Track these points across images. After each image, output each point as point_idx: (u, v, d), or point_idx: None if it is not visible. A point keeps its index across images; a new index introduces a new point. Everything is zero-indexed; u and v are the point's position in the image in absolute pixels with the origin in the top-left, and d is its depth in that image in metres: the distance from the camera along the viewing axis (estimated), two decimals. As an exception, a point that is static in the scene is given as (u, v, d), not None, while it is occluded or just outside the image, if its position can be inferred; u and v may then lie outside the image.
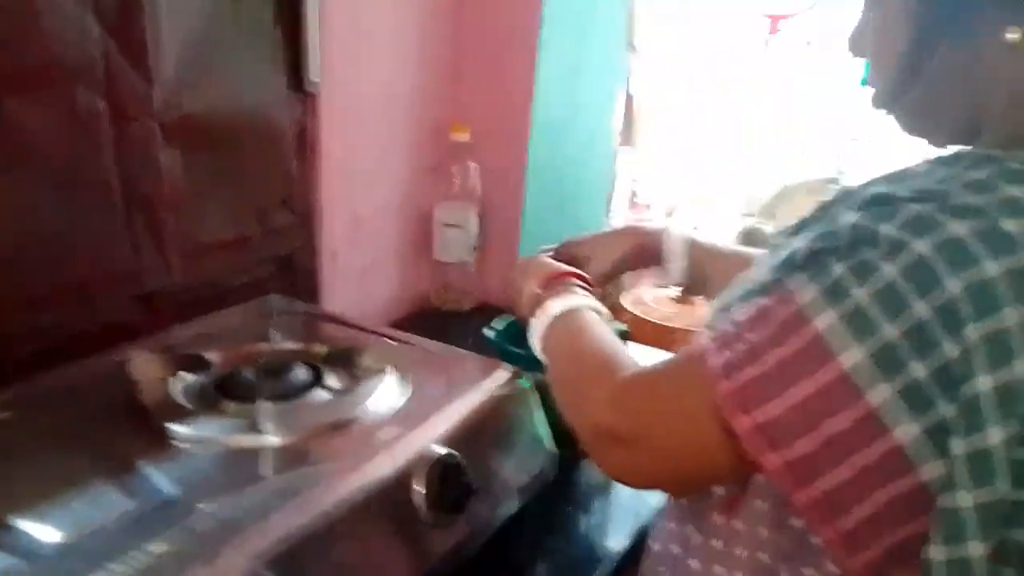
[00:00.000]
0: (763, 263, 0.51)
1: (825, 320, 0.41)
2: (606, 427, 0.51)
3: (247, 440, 0.59)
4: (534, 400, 0.74)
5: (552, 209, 1.33)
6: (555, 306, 0.65)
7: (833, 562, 0.48)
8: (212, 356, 0.71)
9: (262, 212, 0.98)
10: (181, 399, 0.64)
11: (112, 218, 0.81)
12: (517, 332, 0.77)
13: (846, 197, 0.47)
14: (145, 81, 0.80)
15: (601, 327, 0.62)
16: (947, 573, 0.38)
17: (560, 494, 0.78)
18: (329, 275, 1.10)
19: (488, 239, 1.28)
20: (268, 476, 0.57)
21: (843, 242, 0.42)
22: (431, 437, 0.62)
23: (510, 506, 0.68)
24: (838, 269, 0.42)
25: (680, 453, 0.48)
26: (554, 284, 0.69)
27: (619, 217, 1.67)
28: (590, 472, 0.85)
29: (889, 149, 1.59)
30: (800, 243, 0.45)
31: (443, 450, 0.61)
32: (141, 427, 0.61)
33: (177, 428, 0.59)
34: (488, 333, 0.91)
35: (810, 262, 0.43)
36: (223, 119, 0.90)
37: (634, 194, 1.74)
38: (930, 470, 0.39)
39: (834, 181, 1.52)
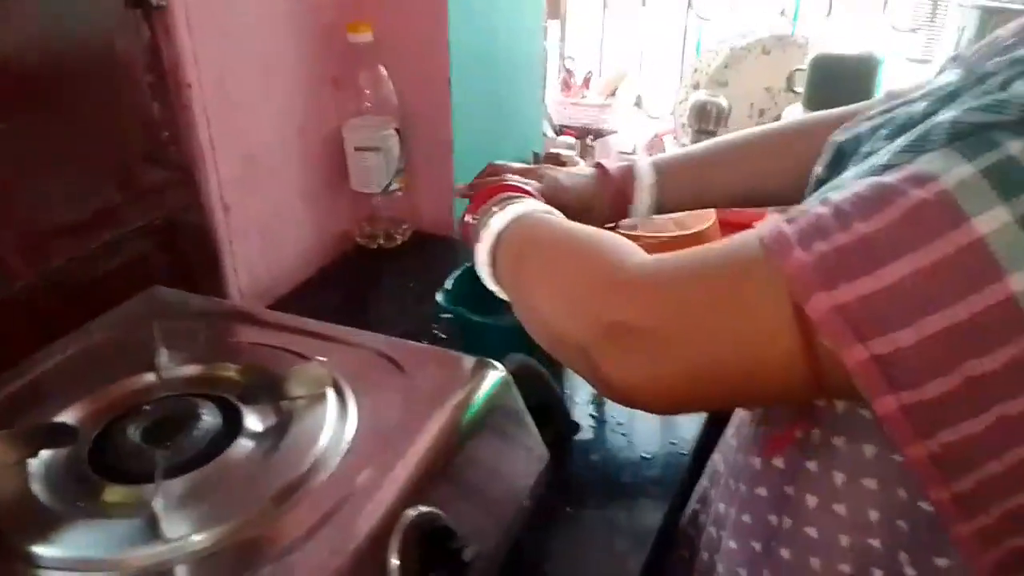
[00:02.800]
0: (871, 142, 0.41)
1: (992, 218, 0.30)
2: (620, 326, 0.40)
3: (147, 554, 0.41)
4: (515, 397, 0.58)
5: (484, 108, 1.12)
6: (497, 220, 0.54)
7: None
8: (75, 414, 0.51)
9: (123, 172, 0.75)
10: (44, 496, 0.46)
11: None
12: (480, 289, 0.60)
13: (1014, 63, 0.35)
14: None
15: (570, 222, 0.52)
16: None
17: (557, 494, 0.64)
18: (224, 235, 0.88)
19: (414, 157, 1.07)
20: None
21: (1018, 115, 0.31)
22: (407, 490, 0.46)
23: (506, 543, 0.54)
24: (1015, 146, 0.31)
25: (726, 357, 0.37)
26: (491, 201, 0.57)
27: (554, 103, 1.47)
28: (582, 460, 0.71)
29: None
30: (943, 116, 0.34)
31: (418, 508, 0.46)
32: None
33: (41, 550, 0.41)
34: (442, 298, 0.74)
35: (962, 137, 0.33)
36: (42, 60, 0.65)
37: (569, 73, 1.53)
38: None
39: (790, 38, 1.35)
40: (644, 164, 0.68)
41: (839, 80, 0.97)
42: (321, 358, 0.55)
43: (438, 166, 1.08)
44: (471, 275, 0.60)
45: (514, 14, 1.17)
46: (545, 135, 1.39)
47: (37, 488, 0.46)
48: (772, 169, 0.65)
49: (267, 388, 0.54)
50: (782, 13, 1.44)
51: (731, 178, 0.68)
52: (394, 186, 1.05)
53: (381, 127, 1.01)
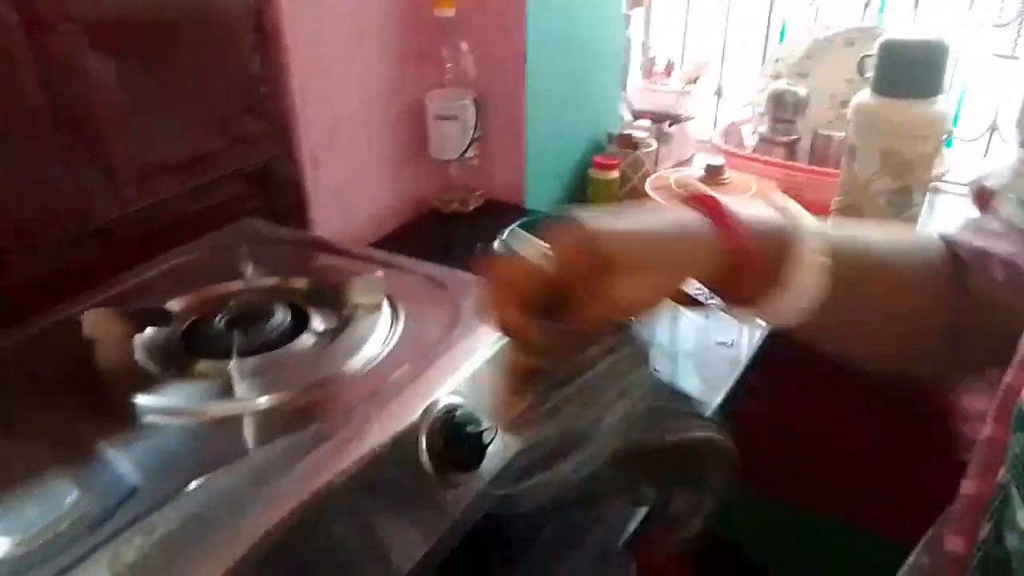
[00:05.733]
0: None
1: None
2: None
3: (222, 408, 0.50)
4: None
5: (559, 88, 1.18)
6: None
7: None
8: (175, 305, 0.61)
9: (224, 121, 0.85)
10: (145, 362, 0.55)
11: (44, 146, 0.69)
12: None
13: None
14: (56, -24, 0.66)
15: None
16: None
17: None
18: (312, 187, 0.97)
19: (489, 128, 1.14)
20: (249, 451, 0.48)
21: None
22: (438, 386, 0.53)
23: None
24: None
25: None
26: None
27: (635, 88, 1.51)
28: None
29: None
30: None
31: (453, 399, 0.52)
32: (99, 400, 0.52)
33: (141, 400, 0.50)
34: (497, 244, 0.80)
35: None
36: (160, 14, 0.76)
37: (651, 61, 1.56)
38: None
39: (875, 30, 1.35)
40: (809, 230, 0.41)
41: (907, 65, 0.97)
42: (379, 273, 0.62)
43: (511, 138, 1.14)
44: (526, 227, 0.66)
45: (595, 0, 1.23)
46: (622, 118, 1.44)
47: (140, 356, 0.55)
48: None
49: (331, 297, 0.62)
50: (867, 6, 1.43)
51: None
52: (469, 154, 1.12)
53: (459, 98, 1.09)
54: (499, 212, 1.16)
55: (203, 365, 0.54)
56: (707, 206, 0.39)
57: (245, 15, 0.84)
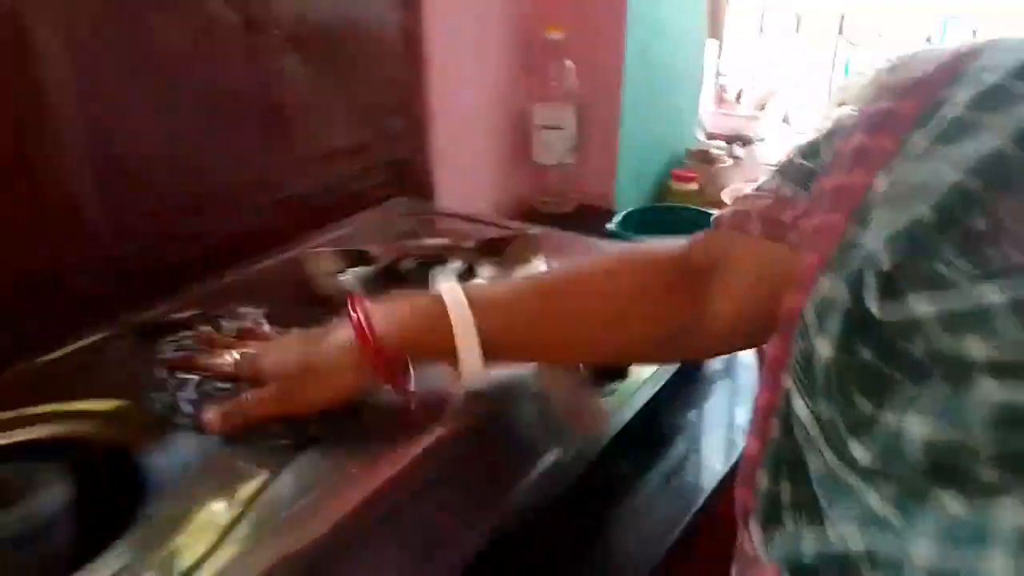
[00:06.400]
0: None
1: None
2: None
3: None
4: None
5: (648, 104, 1.31)
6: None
7: None
8: (375, 249, 0.74)
9: (378, 118, 1.00)
10: (357, 290, 0.68)
11: (247, 127, 0.83)
12: (639, 221, 0.79)
13: None
14: (272, -11, 0.81)
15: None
16: None
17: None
18: (438, 180, 1.11)
19: (586, 139, 1.28)
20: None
21: None
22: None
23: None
24: None
25: None
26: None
27: (707, 112, 1.64)
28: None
29: (989, 23, 1.52)
30: None
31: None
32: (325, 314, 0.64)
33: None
34: (612, 227, 0.93)
35: None
36: (339, 26, 0.91)
37: (722, 88, 1.70)
38: None
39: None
40: (452, 297, 0.49)
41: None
42: (535, 231, 0.75)
43: (605, 147, 1.27)
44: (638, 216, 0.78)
45: (681, 29, 1.36)
46: (697, 139, 1.56)
47: (351, 285, 0.68)
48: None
49: (494, 252, 0.74)
50: (928, 40, 1.54)
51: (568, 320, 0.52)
52: (568, 160, 1.25)
53: (562, 109, 1.22)
54: (590, 214, 1.29)
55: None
56: (357, 317, 0.48)
57: (396, 32, 0.99)
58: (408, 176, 1.06)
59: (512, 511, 0.52)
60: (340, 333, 0.49)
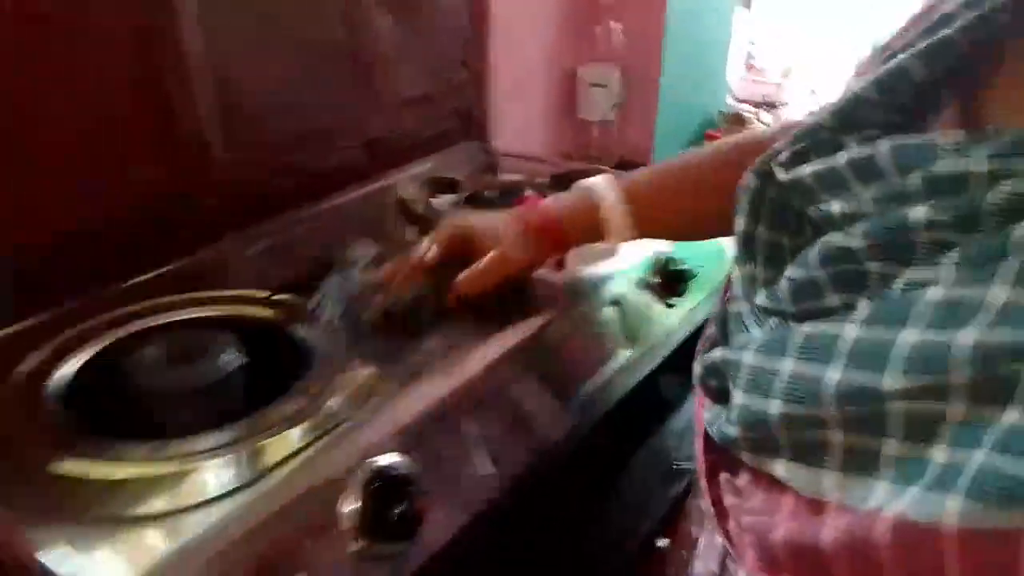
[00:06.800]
0: None
1: None
2: None
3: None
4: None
5: (685, 67, 1.40)
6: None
7: None
8: (461, 179, 0.84)
9: (446, 70, 1.09)
10: (444, 213, 0.78)
11: (342, 75, 0.93)
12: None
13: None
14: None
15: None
16: None
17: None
18: (494, 130, 1.21)
19: (628, 98, 1.37)
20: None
21: None
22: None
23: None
24: None
25: None
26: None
27: (737, 78, 1.73)
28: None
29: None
30: None
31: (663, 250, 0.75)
32: (419, 232, 0.75)
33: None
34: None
35: None
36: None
37: (749, 55, 1.78)
38: None
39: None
40: (608, 192, 0.59)
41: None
42: (608, 169, 0.85)
43: (645, 106, 1.37)
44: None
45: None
46: (727, 103, 1.65)
47: (441, 208, 0.79)
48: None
49: (563, 187, 0.84)
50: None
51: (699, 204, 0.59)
52: (610, 117, 1.35)
53: (608, 68, 1.31)
54: (630, 168, 1.38)
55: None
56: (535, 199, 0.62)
57: (467, -10, 1.08)
58: (469, 126, 1.15)
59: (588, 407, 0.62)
60: (511, 217, 0.60)
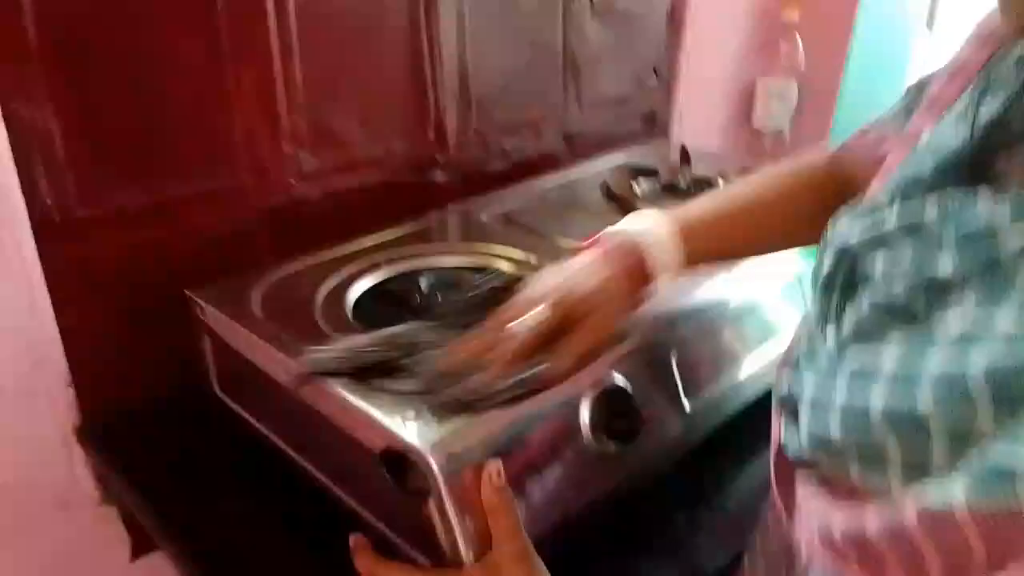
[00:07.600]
0: None
1: None
2: None
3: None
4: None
5: (861, 87, 1.44)
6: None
7: None
8: (660, 168, 0.95)
9: (637, 75, 1.20)
10: (641, 195, 0.89)
11: (554, 73, 1.06)
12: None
13: None
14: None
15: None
16: None
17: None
18: (675, 133, 1.30)
19: (803, 111, 1.42)
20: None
21: None
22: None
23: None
24: None
25: None
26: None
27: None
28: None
29: None
30: None
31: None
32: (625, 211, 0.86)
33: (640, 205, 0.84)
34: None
35: None
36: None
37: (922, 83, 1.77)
38: None
39: None
40: (661, 232, 0.56)
41: None
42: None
43: (820, 120, 1.42)
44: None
45: (901, 20, 1.47)
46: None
47: (641, 192, 0.89)
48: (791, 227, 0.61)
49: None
50: None
51: (756, 236, 0.62)
52: (784, 128, 1.41)
53: (787, 81, 1.37)
54: (798, 179, 1.43)
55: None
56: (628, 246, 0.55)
57: (665, 7, 1.19)
58: (654, 125, 1.26)
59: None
60: (592, 264, 0.55)
